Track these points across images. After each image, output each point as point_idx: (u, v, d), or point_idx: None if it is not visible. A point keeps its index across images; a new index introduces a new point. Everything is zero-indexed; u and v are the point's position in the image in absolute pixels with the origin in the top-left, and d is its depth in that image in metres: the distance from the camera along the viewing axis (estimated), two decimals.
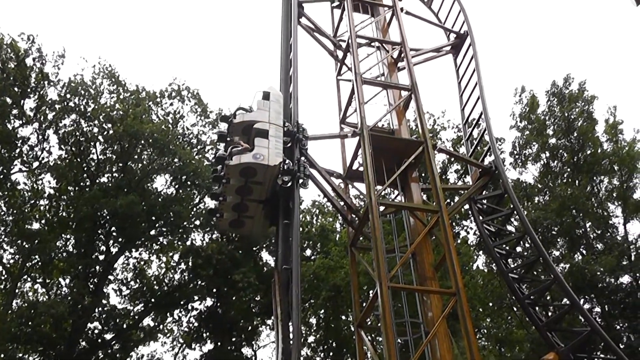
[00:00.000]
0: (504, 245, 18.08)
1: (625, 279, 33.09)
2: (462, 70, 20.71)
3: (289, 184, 14.55)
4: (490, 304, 34.76)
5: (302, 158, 15.27)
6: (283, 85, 17.40)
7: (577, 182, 36.73)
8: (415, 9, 22.45)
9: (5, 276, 33.90)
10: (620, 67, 74.08)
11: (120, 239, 34.25)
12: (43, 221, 34.14)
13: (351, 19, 18.56)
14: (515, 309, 34.69)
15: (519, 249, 27.19)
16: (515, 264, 18.88)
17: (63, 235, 33.95)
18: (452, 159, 36.26)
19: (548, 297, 30.48)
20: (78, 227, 33.15)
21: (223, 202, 15.27)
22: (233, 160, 14.37)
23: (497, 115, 38.31)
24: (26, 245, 32.20)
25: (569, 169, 37.53)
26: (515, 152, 38.59)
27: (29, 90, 33.46)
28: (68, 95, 34.44)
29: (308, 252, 37.20)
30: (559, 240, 36.48)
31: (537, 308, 17.31)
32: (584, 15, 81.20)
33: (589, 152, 37.05)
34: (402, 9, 20.15)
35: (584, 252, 35.52)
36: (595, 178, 36.89)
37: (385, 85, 18.19)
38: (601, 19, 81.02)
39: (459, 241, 35.02)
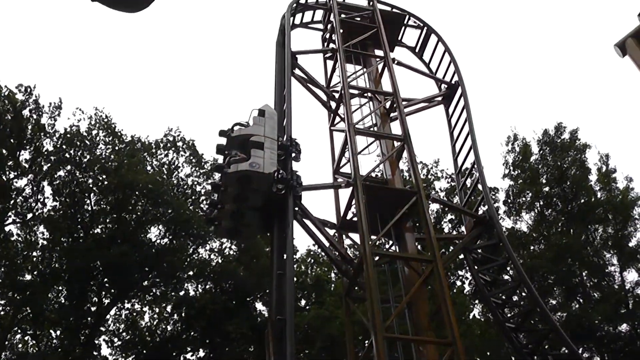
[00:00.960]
0: (500, 295, 17.96)
1: (624, 327, 32.89)
2: (454, 120, 20.89)
3: (283, 192, 15.23)
4: (488, 354, 34.36)
5: (296, 172, 15.89)
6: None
7: (571, 230, 36.75)
8: (407, 58, 22.87)
9: None
10: (609, 116, 74.86)
11: (112, 290, 33.98)
12: (35, 273, 33.88)
13: (344, 70, 18.76)
14: (513, 358, 34.27)
15: (515, 297, 27.01)
16: (512, 313, 18.71)
17: (55, 286, 33.67)
18: (446, 208, 36.29)
19: (546, 347, 30.16)
20: (70, 278, 32.90)
21: (221, 210, 15.85)
22: (231, 168, 15.18)
23: (490, 164, 38.70)
24: (17, 297, 31.89)
25: (563, 218, 37.58)
26: (509, 200, 38.71)
27: (25, 141, 33.63)
28: (64, 146, 34.61)
29: (303, 302, 36.89)
30: (555, 288, 36.32)
31: (535, 358, 17.10)
32: (574, 65, 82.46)
33: (582, 200, 37.19)
34: (393, 60, 20.43)
35: (581, 300, 35.34)
36: (589, 226, 36.94)
37: (378, 136, 18.31)
38: (590, 68, 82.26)
39: (454, 290, 34.79)
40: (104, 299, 34.30)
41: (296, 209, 15.43)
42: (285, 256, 14.69)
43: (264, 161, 15.20)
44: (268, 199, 15.50)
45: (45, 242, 34.75)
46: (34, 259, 34.49)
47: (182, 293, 34.59)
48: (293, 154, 16.32)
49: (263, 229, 16.54)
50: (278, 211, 15.49)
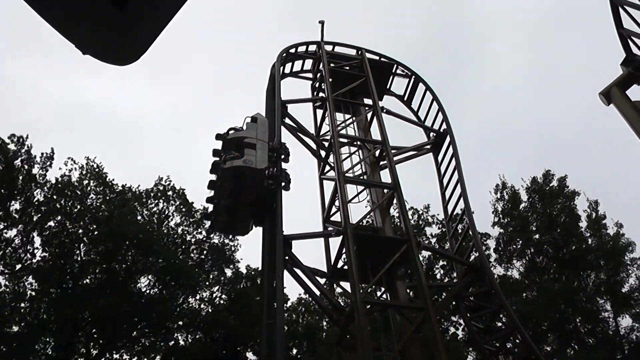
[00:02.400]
0: (494, 342, 17.85)
1: None
2: (443, 168, 21.05)
3: (274, 187, 16.81)
4: None
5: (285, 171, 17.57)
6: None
7: (563, 277, 36.71)
8: (395, 106, 23.14)
9: None
10: (597, 162, 75.54)
11: (101, 341, 33.52)
12: (23, 324, 33.40)
13: (333, 119, 18.93)
14: None
15: (509, 344, 26.81)
16: None
17: (43, 337, 33.18)
18: (438, 255, 36.24)
19: None
20: (59, 329, 32.47)
21: (217, 206, 17.38)
22: (227, 164, 16.78)
23: (480, 211, 38.71)
24: (4, 349, 31.38)
25: (554, 264, 37.59)
26: (499, 248, 38.69)
27: (15, 192, 33.56)
28: (55, 196, 34.55)
29: (294, 350, 36.47)
30: (549, 335, 36.09)
31: None
32: (560, 112, 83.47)
33: (573, 247, 37.25)
34: (382, 108, 20.69)
35: (576, 347, 35.08)
36: (582, 273, 36.92)
37: (368, 184, 18.40)
38: (577, 116, 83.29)
39: (448, 337, 34.49)
40: (92, 350, 33.78)
41: (286, 257, 15.42)
42: (275, 305, 14.66)
43: (256, 159, 16.76)
44: (260, 195, 16.99)
45: (33, 293, 34.36)
46: (22, 310, 34.05)
47: (171, 343, 34.14)
48: (282, 156, 17.89)
49: (256, 223, 17.93)
50: (269, 207, 16.96)
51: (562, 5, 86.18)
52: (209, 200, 17.63)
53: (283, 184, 17.22)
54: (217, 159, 17.47)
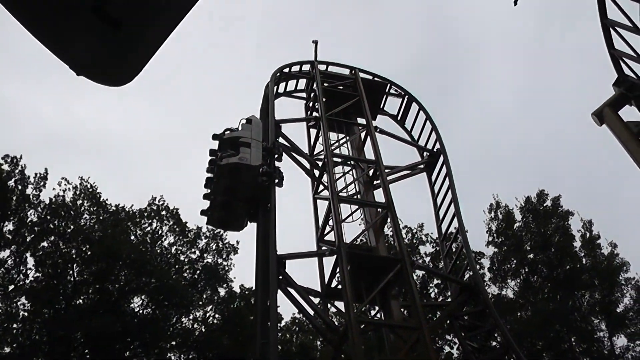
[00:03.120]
0: None
1: None
2: (437, 187, 21.09)
3: (267, 183, 17.53)
4: None
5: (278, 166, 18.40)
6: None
7: (558, 296, 36.71)
8: (389, 126, 23.22)
9: None
10: (590, 182, 75.72)
11: None
12: (15, 345, 33.12)
13: (327, 139, 19.00)
14: None
15: None
16: None
17: (35, 358, 32.88)
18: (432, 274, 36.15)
19: None
20: (51, 350, 32.20)
21: (213, 202, 18.13)
22: (223, 161, 17.48)
23: (474, 230, 38.66)
24: None
25: (549, 284, 37.59)
26: (494, 267, 38.65)
27: (9, 212, 33.45)
28: (48, 217, 34.45)
29: None
30: (544, 354, 36.00)
31: None
32: (553, 132, 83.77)
33: (568, 266, 37.29)
34: (376, 128, 20.78)
35: None
36: (576, 292, 36.94)
37: (361, 204, 18.44)
38: (569, 136, 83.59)
39: (442, 356, 34.34)
40: None
41: (280, 277, 15.40)
42: (269, 324, 14.61)
43: (251, 156, 17.52)
44: (254, 191, 17.81)
45: (26, 314, 34.12)
46: (14, 330, 33.78)
47: None
48: (276, 155, 18.62)
49: (250, 219, 18.73)
50: (263, 203, 17.75)
51: (552, 23, 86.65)
52: (205, 197, 18.32)
53: (276, 180, 17.91)
54: (214, 157, 18.21)
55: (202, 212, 18.69)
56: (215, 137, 18.48)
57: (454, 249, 20.64)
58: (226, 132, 18.55)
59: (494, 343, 23.41)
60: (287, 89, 23.57)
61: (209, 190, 18.26)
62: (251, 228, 18.92)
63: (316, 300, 17.33)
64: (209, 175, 18.35)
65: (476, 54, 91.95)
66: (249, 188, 17.83)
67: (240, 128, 18.70)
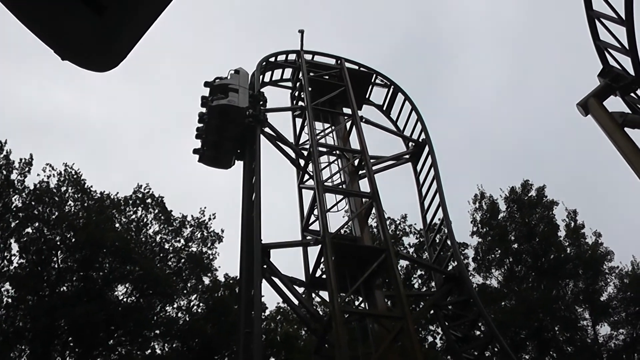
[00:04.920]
0: (472, 351, 17.89)
1: None
2: (422, 177, 21.14)
3: (253, 124, 19.25)
4: None
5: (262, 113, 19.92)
6: (246, 193, 17.62)
7: (542, 285, 36.93)
8: (374, 116, 23.21)
9: None
10: (575, 172, 76.20)
11: (77, 349, 33.13)
12: None
13: (312, 129, 19.00)
14: None
15: (487, 353, 26.91)
16: None
17: (18, 345, 32.74)
18: (416, 264, 36.24)
19: None
20: (34, 338, 32.05)
21: (205, 140, 19.79)
22: (214, 102, 19.12)
23: (458, 220, 38.73)
24: None
25: (533, 273, 37.78)
26: (478, 257, 38.78)
27: None
28: (33, 203, 34.18)
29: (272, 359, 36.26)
30: (528, 343, 36.27)
31: None
32: (539, 123, 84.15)
33: (552, 256, 37.50)
34: (361, 118, 20.76)
35: (555, 355, 35.29)
36: (560, 281, 37.17)
37: (346, 193, 18.44)
38: (555, 126, 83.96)
39: (426, 346, 34.51)
40: (68, 358, 33.41)
41: (264, 266, 15.38)
42: (253, 313, 14.60)
43: (239, 99, 19.11)
44: (242, 131, 19.48)
45: (10, 300, 33.91)
46: None
47: (148, 352, 33.80)
48: (261, 102, 20.19)
49: (238, 157, 20.30)
50: (249, 143, 19.33)
51: (538, 13, 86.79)
52: (198, 136, 19.98)
53: (261, 121, 19.66)
54: (205, 102, 19.89)
55: (195, 151, 20.17)
56: (206, 84, 19.98)
57: (438, 240, 20.70)
58: (216, 80, 20.03)
59: (477, 332, 23.59)
60: (273, 78, 23.57)
61: (202, 127, 19.79)
62: (236, 217, 18.97)
63: (301, 290, 17.37)
64: (200, 125, 19.94)
65: (461, 42, 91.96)
66: (236, 128, 19.42)
67: (229, 77, 20.16)
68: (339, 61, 23.29)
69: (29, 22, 2.89)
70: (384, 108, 23.98)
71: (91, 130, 79.12)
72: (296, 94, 23.02)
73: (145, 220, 37.12)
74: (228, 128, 19.52)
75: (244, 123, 19.28)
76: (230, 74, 20.29)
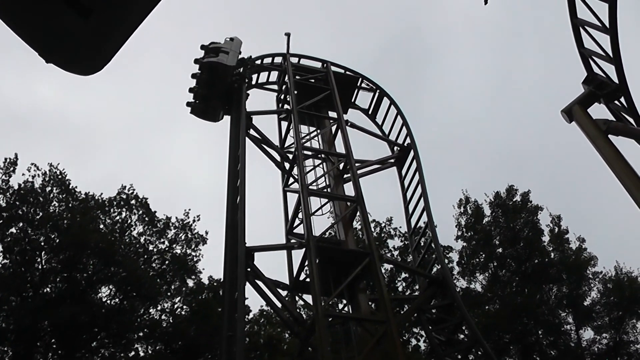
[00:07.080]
0: (456, 354, 17.94)
1: None
2: (406, 182, 21.19)
3: (238, 84, 21.03)
4: None
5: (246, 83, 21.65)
6: (230, 195, 17.58)
7: (526, 290, 37.11)
8: (360, 120, 23.27)
9: None
10: (560, 178, 76.53)
11: (59, 351, 32.91)
12: None
13: (298, 132, 19.02)
14: None
15: (471, 357, 27.00)
16: None
17: (0, 347, 32.49)
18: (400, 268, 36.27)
19: None
20: (17, 339, 31.81)
21: (196, 93, 21.09)
22: (205, 59, 20.90)
23: (443, 225, 38.81)
24: None
25: (517, 278, 37.96)
26: (462, 261, 38.90)
27: None
28: (17, 203, 33.94)
29: None
30: (511, 347, 36.44)
31: None
32: (523, 129, 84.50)
33: (536, 261, 37.70)
34: (347, 122, 20.82)
35: (538, 358, 35.47)
36: (544, 286, 37.37)
37: (331, 197, 18.46)
38: (539, 132, 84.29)
39: (409, 349, 34.56)
40: None
41: (248, 269, 15.37)
42: (236, 316, 14.59)
43: (228, 59, 20.84)
44: (228, 88, 21.04)
45: None
46: None
47: (131, 354, 33.66)
48: (249, 66, 21.91)
49: (225, 112, 21.54)
50: (236, 100, 20.81)
51: (521, 16, 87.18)
52: (191, 90, 21.30)
53: (246, 79, 21.62)
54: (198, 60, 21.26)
55: (188, 103, 21.32)
56: (202, 47, 21.60)
57: (422, 243, 20.78)
58: (212, 44, 21.75)
59: (461, 336, 23.68)
60: (259, 81, 23.56)
61: (195, 84, 21.20)
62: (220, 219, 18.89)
63: (284, 293, 17.37)
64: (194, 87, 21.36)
65: (445, 44, 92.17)
66: (224, 84, 20.99)
67: (223, 42, 21.92)
68: (325, 65, 23.35)
69: (14, 25, 2.90)
70: (370, 112, 24.04)
71: (72, 126, 78.56)
72: (282, 97, 23.03)
73: (129, 221, 36.97)
74: (215, 83, 20.97)
75: (231, 81, 21.03)
76: (226, 40, 22.11)
